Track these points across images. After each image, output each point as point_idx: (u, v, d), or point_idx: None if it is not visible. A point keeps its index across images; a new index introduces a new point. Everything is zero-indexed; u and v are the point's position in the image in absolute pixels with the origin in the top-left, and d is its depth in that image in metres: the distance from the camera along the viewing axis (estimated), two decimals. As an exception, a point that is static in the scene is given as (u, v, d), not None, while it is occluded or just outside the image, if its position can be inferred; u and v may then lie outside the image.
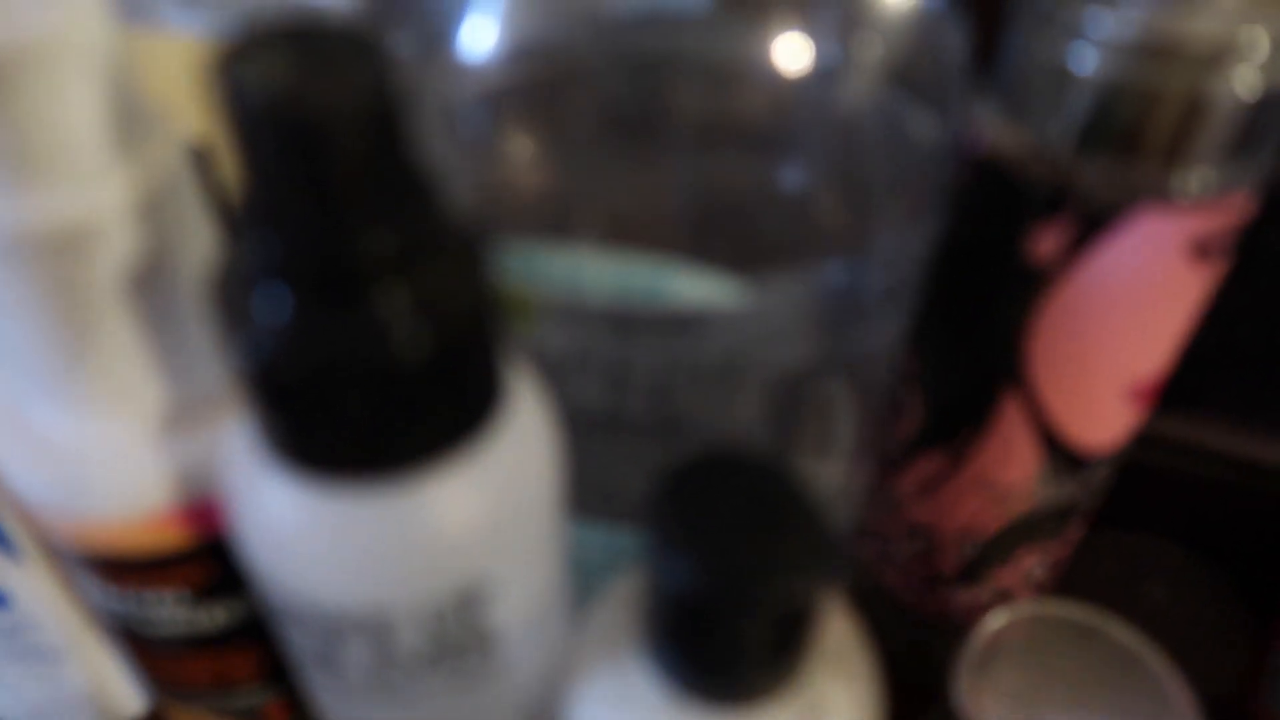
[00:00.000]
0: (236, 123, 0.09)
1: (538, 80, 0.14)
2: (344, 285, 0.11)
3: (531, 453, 0.13)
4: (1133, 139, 0.15)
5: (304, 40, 0.10)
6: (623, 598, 0.15)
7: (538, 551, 0.14)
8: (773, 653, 0.13)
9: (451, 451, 0.12)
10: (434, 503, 0.12)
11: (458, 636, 0.13)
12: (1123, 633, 0.20)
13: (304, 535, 0.12)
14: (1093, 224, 0.15)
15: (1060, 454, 0.18)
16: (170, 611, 0.16)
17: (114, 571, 0.15)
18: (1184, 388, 0.23)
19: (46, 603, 0.20)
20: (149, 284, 0.13)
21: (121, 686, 0.23)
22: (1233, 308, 0.22)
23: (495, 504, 0.13)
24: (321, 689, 0.15)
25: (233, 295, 0.11)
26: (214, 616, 0.16)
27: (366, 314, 0.11)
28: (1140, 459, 0.23)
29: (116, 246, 0.13)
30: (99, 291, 0.13)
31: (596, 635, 0.15)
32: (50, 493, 0.14)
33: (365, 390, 0.11)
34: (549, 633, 0.15)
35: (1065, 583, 0.22)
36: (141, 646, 0.17)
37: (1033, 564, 0.21)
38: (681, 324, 0.14)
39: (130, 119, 0.13)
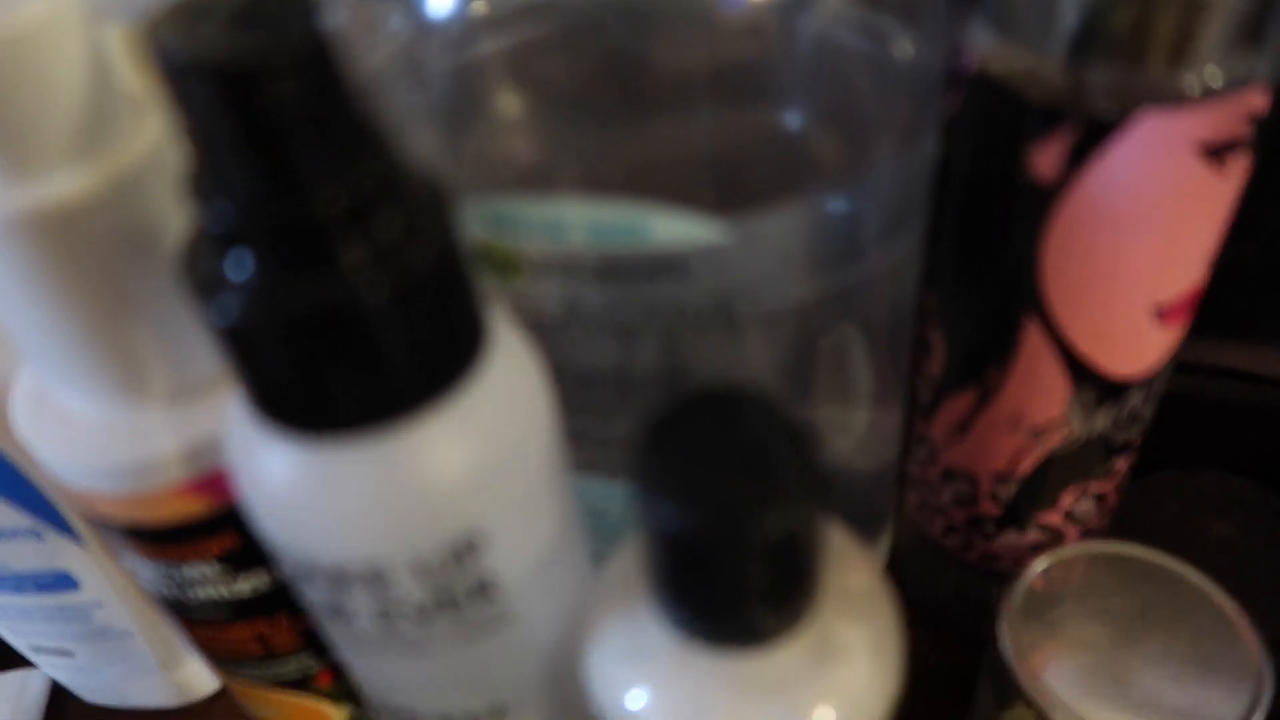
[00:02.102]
0: (171, 87, 0.10)
1: (521, 38, 0.14)
2: (303, 241, 0.11)
3: (519, 399, 0.13)
4: (1131, 39, 0.14)
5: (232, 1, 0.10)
6: (635, 550, 0.15)
7: (534, 500, 0.14)
8: (775, 592, 0.13)
9: (435, 400, 0.12)
10: (420, 451, 0.12)
11: (457, 586, 0.13)
12: (1184, 570, 0.19)
13: (298, 493, 0.13)
14: (1095, 135, 0.14)
15: (1091, 382, 0.17)
16: (208, 581, 0.17)
17: (150, 545, 0.16)
18: (1241, 311, 0.22)
19: (110, 583, 0.21)
20: (142, 268, 0.14)
21: (193, 664, 0.24)
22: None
23: (482, 451, 0.13)
24: (339, 646, 0.15)
25: (197, 265, 0.11)
26: (250, 584, 0.17)
27: (328, 268, 0.11)
28: (1200, 389, 0.22)
29: (106, 224, 0.13)
30: (96, 276, 0.13)
31: (610, 587, 0.15)
32: (78, 470, 0.15)
33: (337, 344, 0.11)
34: (560, 584, 0.15)
35: (1121, 523, 0.21)
36: (190, 619, 0.18)
37: (1079, 503, 0.20)
38: (665, 264, 0.14)
39: (111, 106, 0.13)
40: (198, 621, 0.18)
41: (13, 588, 0.21)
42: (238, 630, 0.18)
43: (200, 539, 0.16)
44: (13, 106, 0.12)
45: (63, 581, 0.21)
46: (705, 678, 0.14)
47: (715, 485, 0.12)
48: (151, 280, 0.14)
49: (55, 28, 0.12)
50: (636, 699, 0.14)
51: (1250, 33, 0.14)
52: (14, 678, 0.25)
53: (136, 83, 0.14)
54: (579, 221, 0.14)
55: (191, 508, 0.16)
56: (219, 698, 0.25)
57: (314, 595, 0.14)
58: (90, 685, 0.25)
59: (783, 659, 0.14)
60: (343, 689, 0.20)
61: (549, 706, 0.16)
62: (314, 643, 0.19)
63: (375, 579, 0.13)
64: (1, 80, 0.12)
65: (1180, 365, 0.19)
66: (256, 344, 0.11)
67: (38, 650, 0.23)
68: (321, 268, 0.11)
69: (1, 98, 0.12)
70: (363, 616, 0.14)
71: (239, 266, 0.11)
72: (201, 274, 0.11)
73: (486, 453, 0.13)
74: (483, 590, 0.14)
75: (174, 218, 0.14)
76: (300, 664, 0.19)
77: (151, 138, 0.14)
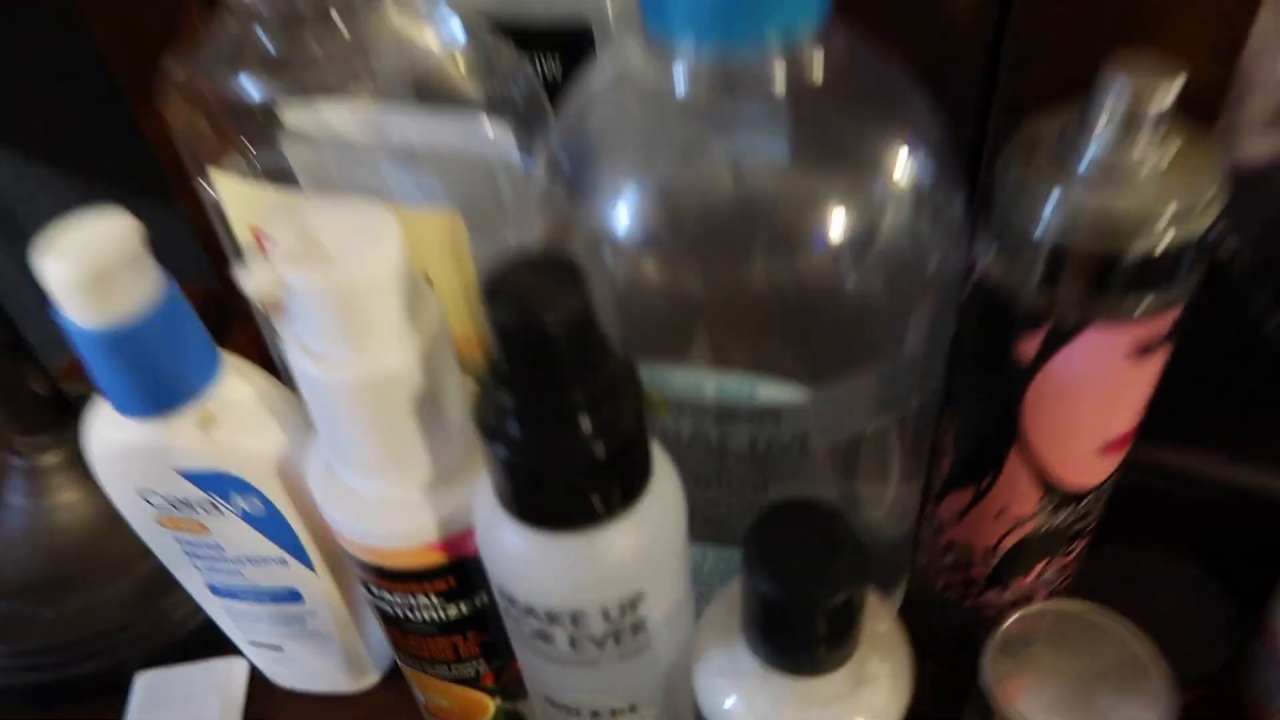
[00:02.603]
0: (495, 331, 0.17)
1: (664, 250, 0.21)
2: (554, 415, 0.18)
3: (668, 503, 0.21)
4: (1084, 277, 0.21)
5: (534, 272, 0.17)
6: (729, 598, 0.22)
7: (673, 569, 0.21)
8: (831, 638, 0.20)
9: (620, 510, 0.19)
10: (610, 543, 0.19)
11: (623, 625, 0.21)
12: (1119, 624, 0.26)
13: (529, 563, 0.20)
14: (1060, 338, 0.21)
15: (1055, 491, 0.24)
16: (428, 608, 0.24)
17: (392, 581, 0.23)
18: (1179, 424, 0.29)
19: (327, 600, 0.28)
20: (426, 402, 0.21)
21: (367, 661, 0.31)
22: (1211, 362, 0.27)
23: (647, 541, 0.20)
24: (534, 662, 0.22)
25: (487, 422, 0.18)
26: (456, 610, 0.24)
27: (571, 433, 0.18)
28: (1141, 483, 0.29)
29: (408, 382, 0.20)
30: (397, 410, 0.21)
31: (712, 623, 0.22)
32: (359, 531, 0.23)
33: (567, 480, 0.18)
34: (682, 622, 0.23)
35: (1076, 586, 0.28)
36: (404, 631, 0.25)
37: (1046, 572, 0.27)
38: (764, 414, 0.21)
39: (412, 294, 0.20)
40: (410, 634, 0.25)
41: (253, 598, 0.28)
42: (439, 641, 0.25)
43: (432, 580, 0.23)
44: (363, 320, 0.19)
45: (292, 596, 0.28)
46: (779, 692, 0.21)
47: (796, 567, 0.19)
48: (431, 414, 0.21)
49: (386, 272, 0.19)
50: (730, 704, 0.21)
51: (1170, 275, 0.21)
52: (222, 664, 0.33)
53: (417, 265, 0.21)
54: (708, 385, 0.21)
55: (433, 559, 0.23)
56: (382, 687, 0.32)
57: (526, 626, 0.21)
58: (286, 673, 0.32)
59: (832, 683, 0.21)
60: (499, 686, 0.27)
61: (668, 706, 0.23)
62: (488, 652, 0.26)
63: (574, 620, 0.20)
64: (356, 309, 0.19)
65: (1134, 465, 0.26)
66: (518, 473, 0.19)
67: (254, 644, 0.31)
68: (566, 434, 0.18)
69: (357, 317, 0.19)
70: (559, 642, 0.21)
71: (513, 431, 0.18)
72: (488, 424, 0.18)
73: (650, 543, 0.20)
74: (637, 628, 0.21)
75: (453, 374, 0.21)
76: (475, 667, 0.26)
77: (440, 322, 0.21)
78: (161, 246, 0.22)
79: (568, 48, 0.28)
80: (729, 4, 0.17)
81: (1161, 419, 0.26)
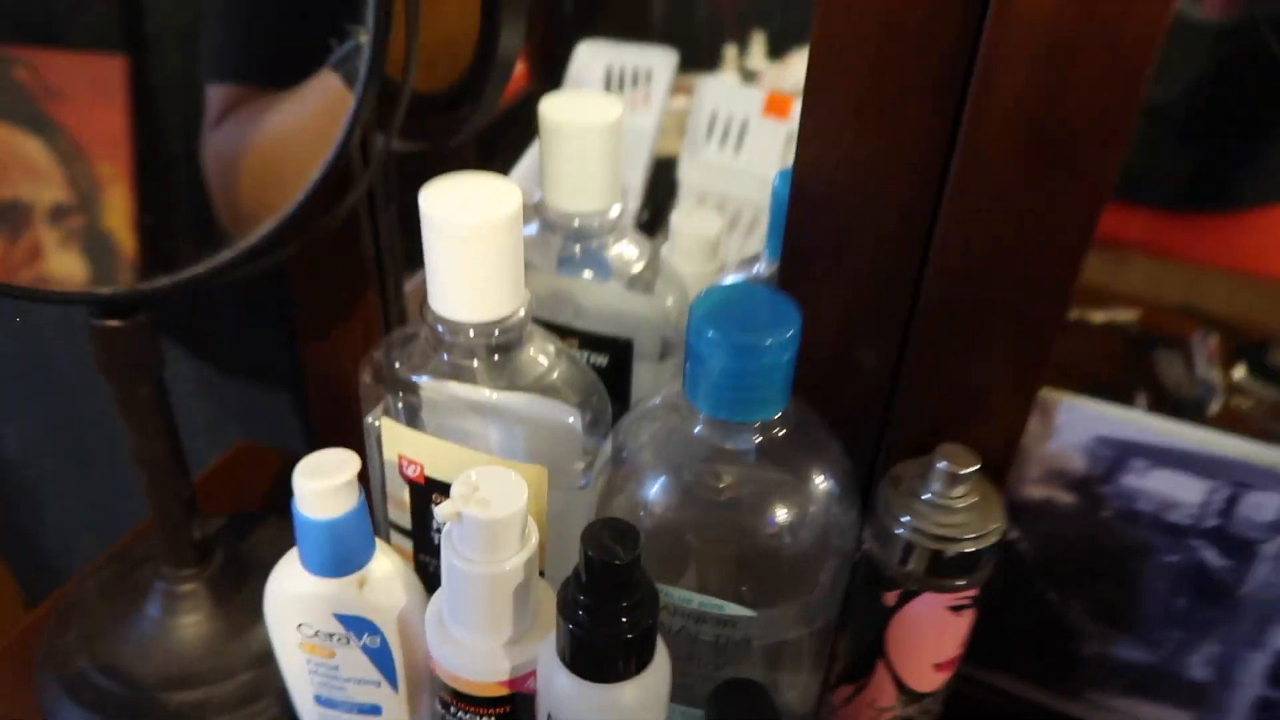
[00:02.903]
0: (584, 558, 0.30)
1: (675, 518, 0.35)
2: (608, 613, 0.31)
3: (662, 674, 0.33)
4: (922, 563, 0.35)
5: (610, 529, 0.30)
6: (691, 741, 0.35)
7: (661, 714, 0.34)
8: None
9: (635, 674, 0.32)
10: (626, 694, 0.32)
11: (627, 749, 0.33)
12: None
13: (573, 699, 0.32)
14: (908, 595, 0.35)
15: (907, 691, 0.37)
16: (487, 725, 0.36)
17: (469, 703, 0.35)
18: (995, 655, 0.42)
19: (399, 716, 0.40)
20: (519, 592, 0.34)
21: (410, 764, 0.42)
22: (1012, 618, 0.41)
23: (649, 696, 0.32)
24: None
25: (566, 608, 0.31)
26: (505, 730, 0.36)
27: (615, 624, 0.31)
28: (969, 694, 0.42)
29: (514, 580, 0.33)
30: (501, 596, 0.33)
31: None
32: (456, 665, 0.35)
33: (609, 650, 0.31)
34: (657, 754, 0.35)
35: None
36: (462, 741, 0.37)
37: (901, 750, 0.39)
38: (727, 621, 0.35)
39: (524, 523, 0.33)
40: (467, 744, 0.37)
41: (345, 709, 0.40)
42: (488, 751, 0.37)
43: (496, 705, 0.35)
44: (498, 540, 0.33)
45: (374, 709, 0.40)
46: None
47: None
48: (520, 600, 0.34)
49: (514, 513, 0.33)
50: None
51: (972, 567, 0.35)
52: (294, 758, 0.43)
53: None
54: (694, 600, 0.34)
55: (500, 691, 0.35)
56: (415, 788, 0.43)
57: (562, 743, 0.33)
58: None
59: None
60: (518, 790, 0.38)
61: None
62: (517, 763, 0.37)
63: (598, 742, 0.32)
64: (495, 533, 0.32)
65: (966, 679, 0.39)
66: (578, 643, 0.31)
67: (331, 744, 0.42)
68: (618, 626, 0.31)
69: (495, 538, 0.32)
70: (584, 756, 0.33)
71: (582, 614, 0.31)
72: (567, 609, 0.31)
73: (650, 696, 0.32)
74: (633, 752, 0.33)
75: (536, 575, 0.34)
76: (506, 774, 0.38)
77: (536, 542, 0.34)
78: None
79: (614, 351, 0.43)
80: (731, 407, 0.32)
81: (984, 651, 0.40)
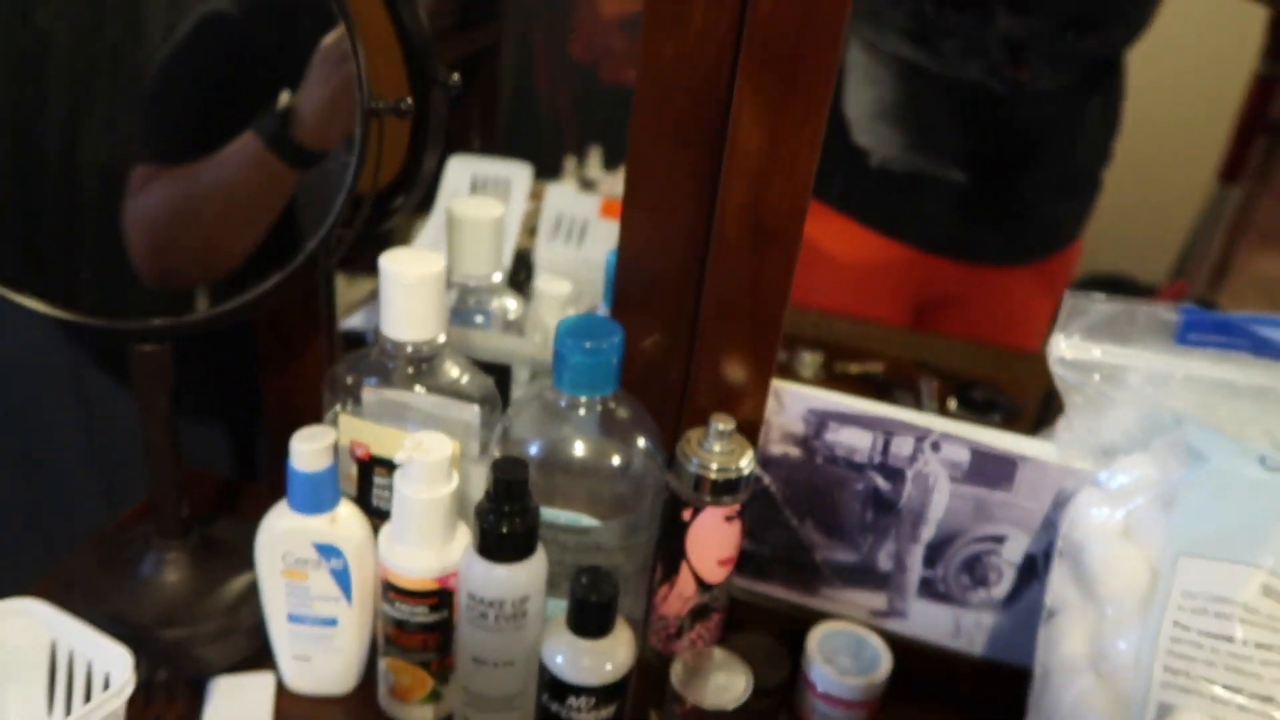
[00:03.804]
0: (494, 479, 0.48)
1: (541, 464, 0.54)
2: (509, 519, 0.49)
3: (541, 562, 0.51)
4: (703, 488, 0.55)
5: (510, 465, 0.49)
6: (559, 613, 0.53)
7: (540, 590, 0.52)
8: (606, 620, 0.51)
9: (526, 556, 0.50)
10: (522, 573, 0.50)
11: (519, 612, 0.51)
12: (732, 656, 0.58)
13: (484, 581, 0.50)
14: (697, 511, 0.55)
15: (703, 584, 0.57)
16: (419, 614, 0.52)
17: (406, 596, 0.52)
18: (757, 570, 0.63)
19: (350, 626, 0.55)
20: (446, 513, 0.51)
21: (355, 672, 0.58)
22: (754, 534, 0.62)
23: (532, 577, 0.50)
24: (471, 633, 0.51)
25: (480, 514, 0.49)
26: (433, 617, 0.53)
27: (514, 525, 0.49)
28: (741, 600, 0.62)
29: (443, 505, 0.51)
30: (435, 517, 0.51)
31: (551, 621, 0.53)
32: (399, 568, 0.51)
33: (513, 540, 0.49)
34: (539, 619, 0.52)
35: (717, 641, 0.60)
36: (401, 630, 0.53)
37: (701, 631, 0.59)
38: (580, 530, 0.53)
39: (451, 467, 0.51)
40: (406, 631, 0.53)
41: (311, 622, 0.55)
42: (420, 636, 0.53)
43: (427, 597, 0.52)
44: (433, 476, 0.50)
45: (331, 621, 0.55)
46: (577, 647, 0.51)
47: (594, 590, 0.50)
48: (446, 518, 0.52)
49: (446, 455, 0.51)
50: (558, 658, 0.51)
51: (735, 489, 0.55)
52: (262, 675, 0.58)
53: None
54: (560, 515, 0.53)
55: (432, 586, 0.52)
56: (356, 691, 0.58)
57: (474, 610, 0.50)
58: (303, 680, 0.58)
59: (602, 642, 0.52)
60: (437, 671, 0.55)
61: (528, 661, 0.53)
62: (438, 647, 0.54)
63: (497, 605, 0.50)
64: (433, 471, 0.50)
65: (742, 590, 0.59)
66: (487, 536, 0.49)
67: (296, 657, 0.57)
68: (514, 523, 0.49)
69: (434, 474, 0.50)
70: (490, 618, 0.50)
71: (492, 515, 0.49)
72: (480, 514, 0.49)
73: (533, 577, 0.50)
74: (520, 615, 0.51)
75: (455, 502, 0.52)
76: (431, 655, 0.54)
77: (458, 482, 0.52)
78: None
79: (498, 373, 0.63)
80: (582, 387, 0.52)
81: (751, 568, 0.60)
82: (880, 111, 0.67)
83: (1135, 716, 0.45)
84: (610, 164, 0.90)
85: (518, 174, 0.81)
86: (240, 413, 0.77)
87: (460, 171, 0.81)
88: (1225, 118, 0.88)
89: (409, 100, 0.50)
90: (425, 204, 0.77)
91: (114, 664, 0.46)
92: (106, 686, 0.46)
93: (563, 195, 0.82)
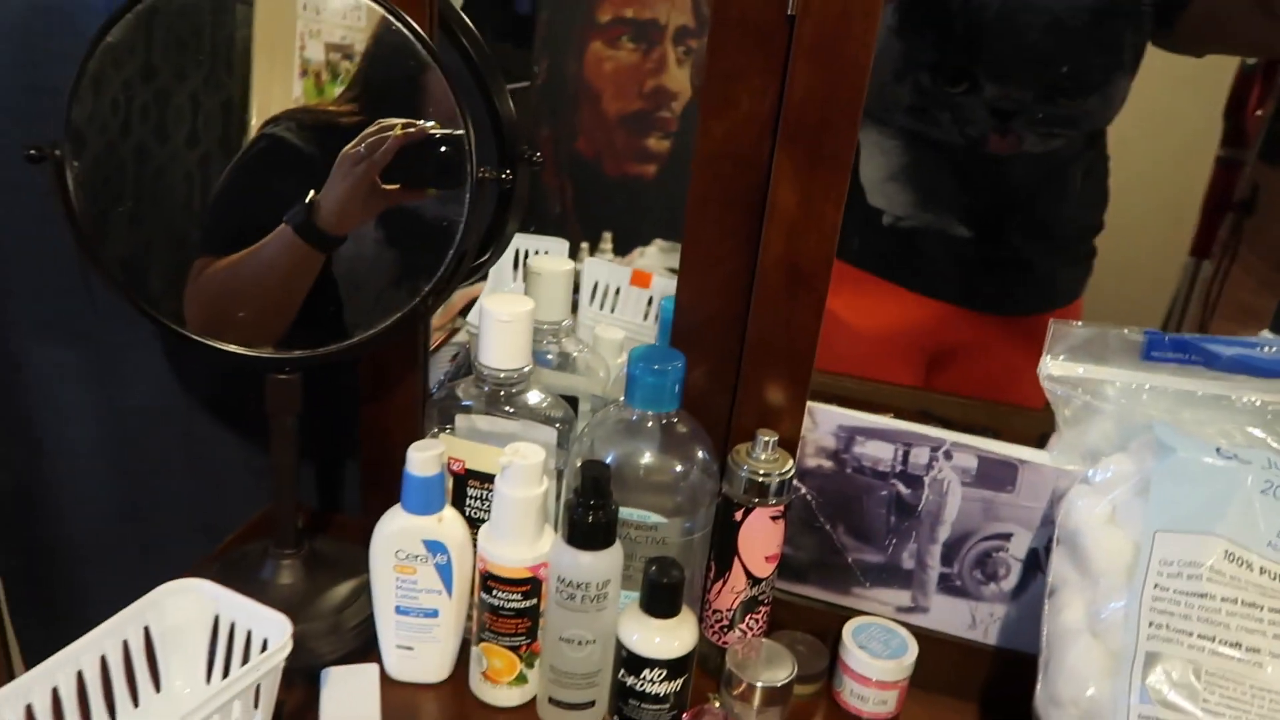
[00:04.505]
0: (583, 477, 0.58)
1: (616, 474, 0.64)
2: (594, 512, 0.59)
3: (619, 550, 0.60)
4: (753, 491, 0.64)
5: (595, 466, 0.59)
6: (634, 600, 0.62)
7: (617, 580, 0.61)
8: (674, 602, 0.60)
9: (606, 545, 0.59)
10: (604, 559, 0.59)
11: (601, 594, 0.59)
12: (780, 647, 0.66)
13: (571, 565, 0.59)
14: (748, 512, 0.64)
15: (752, 579, 0.66)
16: (513, 600, 0.61)
17: (502, 584, 0.61)
18: (796, 573, 0.71)
19: (449, 618, 0.64)
20: (540, 510, 0.61)
21: (450, 661, 0.66)
22: (806, 538, 0.71)
23: (614, 562, 0.59)
24: (559, 613, 0.60)
25: (570, 507, 0.59)
26: (525, 604, 0.61)
27: (599, 517, 0.59)
28: (782, 600, 0.71)
29: (537, 502, 0.60)
30: (529, 515, 0.60)
31: (627, 606, 0.62)
32: (496, 557, 0.60)
33: (596, 531, 0.59)
34: (616, 601, 0.61)
35: (768, 634, 0.69)
36: (496, 615, 0.62)
37: (750, 621, 0.67)
38: (649, 525, 0.63)
39: (543, 469, 0.61)
40: (500, 617, 0.62)
41: (415, 614, 0.64)
42: (513, 622, 0.62)
43: (520, 585, 0.61)
44: (529, 478, 0.60)
45: (434, 613, 0.64)
46: (649, 627, 0.60)
47: (663, 580, 0.60)
48: (538, 516, 0.61)
49: (539, 461, 0.60)
50: (634, 637, 0.60)
51: (781, 492, 0.65)
52: (364, 668, 0.66)
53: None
54: (633, 513, 0.63)
55: (526, 574, 0.61)
56: (451, 679, 0.66)
57: (563, 592, 0.59)
58: (404, 669, 0.66)
59: (671, 622, 0.60)
60: (525, 655, 0.63)
61: (606, 639, 0.61)
62: (527, 633, 0.62)
63: (582, 587, 0.59)
64: (529, 475, 0.60)
65: (782, 591, 0.68)
66: (577, 526, 0.59)
67: (399, 646, 0.65)
68: (598, 515, 0.58)
69: (530, 476, 0.60)
70: (577, 599, 0.59)
71: (579, 508, 0.58)
72: (570, 507, 0.59)
73: (613, 563, 0.60)
74: (603, 598, 0.60)
75: (549, 498, 0.61)
76: (521, 640, 0.63)
77: (548, 483, 0.61)
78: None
79: (571, 401, 0.73)
80: (649, 404, 0.62)
81: (790, 572, 0.69)
82: (889, 175, 0.79)
83: (1126, 665, 0.54)
84: (620, 250, 0.98)
85: (555, 246, 0.91)
86: (329, 453, 0.86)
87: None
88: (1196, 198, 0.99)
89: (508, 172, 0.62)
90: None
91: (272, 629, 0.54)
92: (264, 650, 0.54)
93: (599, 265, 0.93)
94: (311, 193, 0.61)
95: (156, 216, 0.62)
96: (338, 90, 0.60)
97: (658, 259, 0.90)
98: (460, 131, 0.59)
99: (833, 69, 0.60)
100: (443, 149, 0.60)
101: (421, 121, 0.60)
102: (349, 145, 0.60)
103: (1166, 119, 0.97)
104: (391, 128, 0.59)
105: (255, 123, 0.61)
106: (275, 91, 0.61)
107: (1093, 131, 0.91)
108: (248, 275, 0.63)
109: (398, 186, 0.60)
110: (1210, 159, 0.97)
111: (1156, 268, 1.05)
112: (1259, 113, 0.86)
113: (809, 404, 0.67)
